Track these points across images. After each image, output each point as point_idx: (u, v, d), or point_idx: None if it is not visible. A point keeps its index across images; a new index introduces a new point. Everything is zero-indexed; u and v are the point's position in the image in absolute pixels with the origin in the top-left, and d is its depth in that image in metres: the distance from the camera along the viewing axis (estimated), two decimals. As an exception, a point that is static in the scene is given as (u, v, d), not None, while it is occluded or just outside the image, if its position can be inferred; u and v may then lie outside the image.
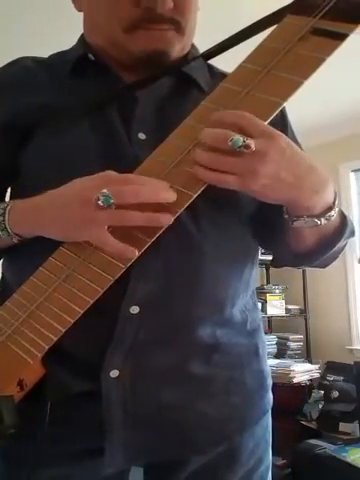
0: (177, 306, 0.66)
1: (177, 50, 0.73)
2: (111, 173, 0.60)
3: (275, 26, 0.69)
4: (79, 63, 0.74)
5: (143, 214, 0.57)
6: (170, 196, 0.59)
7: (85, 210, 0.58)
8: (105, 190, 0.56)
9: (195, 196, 0.59)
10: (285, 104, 0.63)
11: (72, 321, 0.59)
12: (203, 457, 0.72)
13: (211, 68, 0.82)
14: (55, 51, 0.81)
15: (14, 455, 0.66)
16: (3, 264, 0.76)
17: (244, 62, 0.67)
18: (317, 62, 0.62)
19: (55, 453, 0.65)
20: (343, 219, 0.70)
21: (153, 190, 0.58)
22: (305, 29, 0.65)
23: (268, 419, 0.80)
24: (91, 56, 0.75)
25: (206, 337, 0.69)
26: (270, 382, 0.79)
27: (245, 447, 0.74)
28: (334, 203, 0.65)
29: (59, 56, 0.79)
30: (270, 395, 0.79)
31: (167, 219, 0.58)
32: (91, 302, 0.59)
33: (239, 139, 0.56)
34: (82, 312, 0.59)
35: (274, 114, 0.62)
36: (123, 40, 0.70)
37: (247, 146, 0.56)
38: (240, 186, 0.59)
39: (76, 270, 0.61)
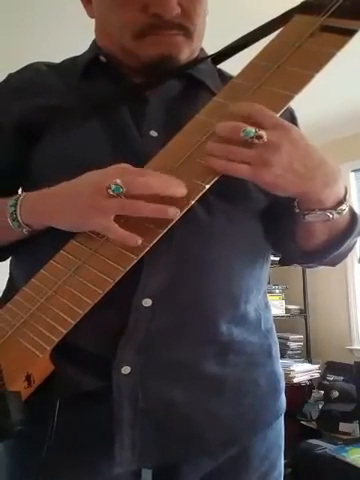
0: (190, 298, 0.66)
1: (186, 55, 0.74)
2: (126, 165, 0.60)
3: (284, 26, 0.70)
4: (90, 65, 0.76)
5: (151, 205, 0.57)
6: (180, 191, 0.59)
7: (95, 198, 0.58)
8: (117, 180, 0.56)
9: (207, 187, 0.59)
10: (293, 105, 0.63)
11: (82, 313, 0.58)
12: (214, 461, 0.70)
13: (222, 73, 0.82)
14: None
15: (24, 457, 0.66)
16: (11, 262, 0.76)
17: (255, 59, 0.68)
18: (327, 56, 0.63)
19: (65, 456, 0.64)
20: (353, 216, 0.70)
21: (164, 183, 0.58)
22: (314, 26, 0.66)
23: (281, 423, 0.78)
24: (102, 58, 0.76)
25: (221, 334, 0.68)
26: (283, 385, 0.78)
27: (257, 451, 0.73)
28: (345, 197, 0.65)
29: (71, 61, 0.81)
30: (283, 398, 0.78)
31: (174, 212, 0.58)
32: (102, 294, 0.58)
33: (251, 130, 0.57)
34: (93, 304, 0.58)
35: (285, 107, 0.62)
36: (132, 46, 0.71)
37: (259, 136, 0.57)
38: (252, 176, 0.59)
39: (87, 262, 0.60)
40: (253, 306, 0.73)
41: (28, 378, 0.59)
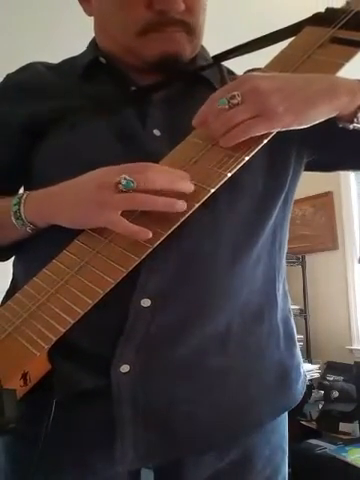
0: (190, 298, 0.65)
1: (189, 52, 0.73)
2: (131, 164, 0.60)
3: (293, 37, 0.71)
4: (90, 67, 0.75)
5: (160, 198, 0.57)
6: (188, 186, 0.58)
7: (101, 193, 0.58)
8: (126, 175, 0.56)
9: (213, 191, 0.59)
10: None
11: (82, 313, 0.58)
12: (217, 462, 0.70)
13: (221, 68, 0.82)
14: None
15: (22, 458, 0.65)
16: (14, 262, 0.76)
17: (264, 69, 0.69)
18: (336, 66, 0.64)
19: (61, 456, 0.64)
20: None
21: (172, 178, 0.58)
22: (324, 38, 0.67)
23: (285, 427, 0.78)
24: (102, 59, 0.75)
25: (222, 327, 0.67)
26: (295, 377, 0.75)
27: (261, 454, 0.72)
28: None
29: (70, 61, 0.80)
30: (294, 392, 0.75)
31: (182, 206, 0.57)
32: (102, 294, 0.58)
33: (223, 99, 0.58)
34: (93, 303, 0.58)
35: None
36: (136, 44, 0.71)
37: (232, 96, 0.57)
38: (270, 123, 0.58)
39: (89, 262, 0.60)
40: (257, 298, 0.71)
41: (24, 376, 0.59)
